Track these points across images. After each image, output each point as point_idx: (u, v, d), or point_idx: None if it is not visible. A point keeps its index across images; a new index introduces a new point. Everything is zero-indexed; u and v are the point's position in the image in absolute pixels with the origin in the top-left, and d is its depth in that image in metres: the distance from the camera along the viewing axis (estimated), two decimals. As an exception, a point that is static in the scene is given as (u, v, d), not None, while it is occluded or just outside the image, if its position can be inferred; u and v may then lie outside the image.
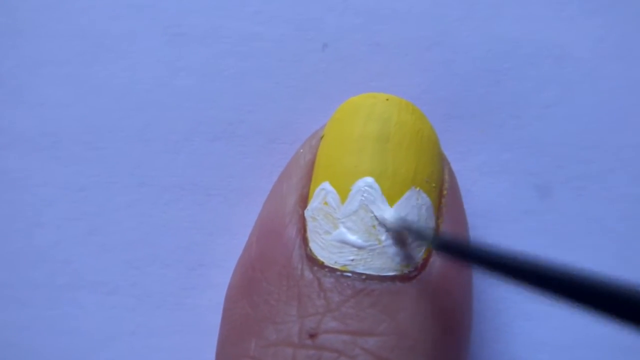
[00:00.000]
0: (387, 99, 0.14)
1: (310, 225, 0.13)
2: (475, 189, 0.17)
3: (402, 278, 0.13)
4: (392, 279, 0.13)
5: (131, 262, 0.17)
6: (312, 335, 0.12)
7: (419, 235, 0.13)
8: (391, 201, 0.13)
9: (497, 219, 0.17)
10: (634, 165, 0.17)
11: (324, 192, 0.13)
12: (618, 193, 0.17)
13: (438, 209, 0.14)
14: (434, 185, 0.14)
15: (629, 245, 0.16)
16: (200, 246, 0.17)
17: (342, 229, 0.13)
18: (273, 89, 0.17)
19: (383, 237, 0.13)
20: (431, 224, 0.13)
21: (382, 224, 0.13)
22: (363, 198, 0.13)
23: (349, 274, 0.13)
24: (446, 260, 0.13)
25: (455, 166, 0.15)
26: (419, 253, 0.13)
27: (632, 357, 0.16)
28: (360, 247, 0.13)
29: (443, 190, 0.14)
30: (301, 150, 0.15)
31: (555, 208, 0.17)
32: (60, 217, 0.17)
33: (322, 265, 0.13)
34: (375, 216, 0.13)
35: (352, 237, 0.13)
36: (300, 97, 0.17)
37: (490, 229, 0.16)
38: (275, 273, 0.13)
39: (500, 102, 0.17)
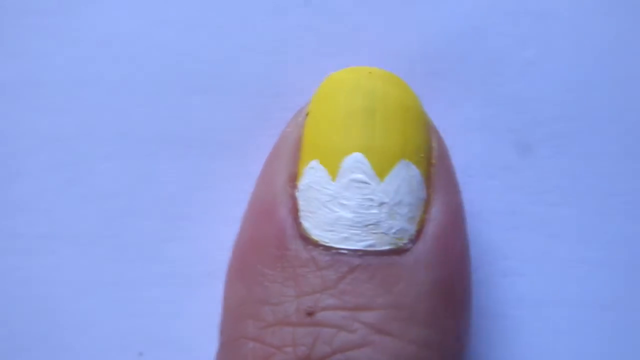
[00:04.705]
0: (370, 72, 0.14)
1: (301, 204, 0.13)
2: (456, 145, 0.17)
3: (398, 251, 0.13)
4: (388, 252, 0.13)
5: (110, 214, 0.17)
6: (310, 314, 0.12)
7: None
8: (381, 175, 0.13)
9: (477, 175, 0.17)
10: (613, 123, 0.17)
11: (313, 170, 0.13)
12: (596, 151, 0.17)
13: (428, 178, 0.14)
14: (422, 155, 0.14)
15: (606, 203, 0.17)
16: (179, 199, 0.17)
17: (335, 207, 0.13)
18: (255, 42, 0.17)
19: (376, 212, 0.13)
20: (422, 194, 0.13)
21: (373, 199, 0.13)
22: (354, 174, 0.13)
23: (345, 251, 0.13)
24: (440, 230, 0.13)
25: (435, 123, 0.15)
26: (413, 225, 0.13)
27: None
28: (354, 224, 0.13)
29: (432, 159, 0.14)
30: (288, 129, 0.14)
31: (535, 165, 0.17)
32: (40, 168, 0.17)
33: (316, 244, 0.13)
34: (367, 192, 0.13)
35: (346, 214, 0.13)
36: (283, 51, 0.17)
37: (469, 184, 0.16)
38: (268, 255, 0.13)
39: (481, 59, 0.17)
